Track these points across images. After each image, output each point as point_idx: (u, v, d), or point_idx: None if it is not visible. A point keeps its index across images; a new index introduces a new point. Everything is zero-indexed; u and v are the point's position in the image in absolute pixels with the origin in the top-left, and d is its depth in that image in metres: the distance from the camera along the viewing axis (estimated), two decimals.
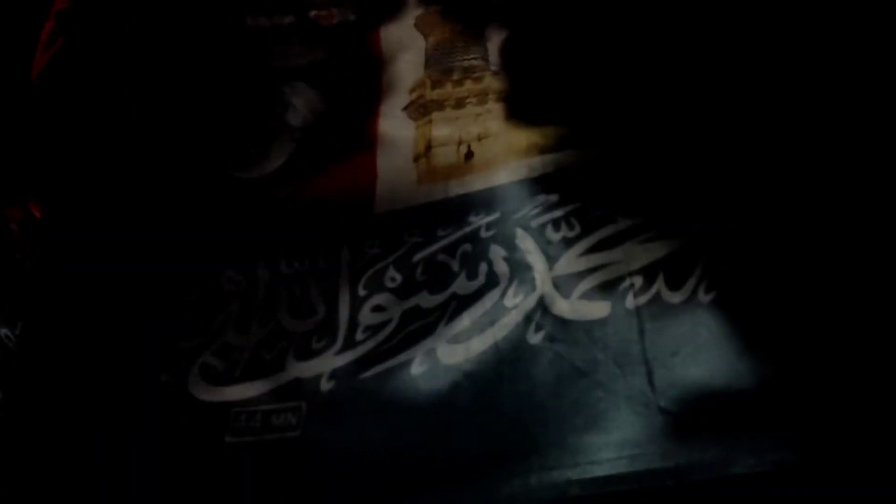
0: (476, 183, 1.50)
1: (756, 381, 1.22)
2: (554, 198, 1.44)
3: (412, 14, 1.70)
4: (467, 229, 1.46)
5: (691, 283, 1.32)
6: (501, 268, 1.42)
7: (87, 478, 1.40)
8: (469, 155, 1.53)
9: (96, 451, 1.41)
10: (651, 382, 1.25)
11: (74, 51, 1.76)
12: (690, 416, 1.21)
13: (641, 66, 1.50)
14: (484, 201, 1.48)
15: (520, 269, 1.41)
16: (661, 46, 1.50)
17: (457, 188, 1.51)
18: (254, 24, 1.75)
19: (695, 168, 1.40)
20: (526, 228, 1.43)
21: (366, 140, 1.60)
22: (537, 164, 1.49)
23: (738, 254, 1.32)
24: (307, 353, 1.42)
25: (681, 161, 1.42)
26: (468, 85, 1.61)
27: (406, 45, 1.67)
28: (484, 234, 1.45)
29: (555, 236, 1.42)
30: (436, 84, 1.62)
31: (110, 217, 1.60)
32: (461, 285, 1.42)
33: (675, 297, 1.32)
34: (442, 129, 1.57)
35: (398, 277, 1.45)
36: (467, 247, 1.45)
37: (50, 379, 1.49)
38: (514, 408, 1.30)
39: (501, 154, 1.52)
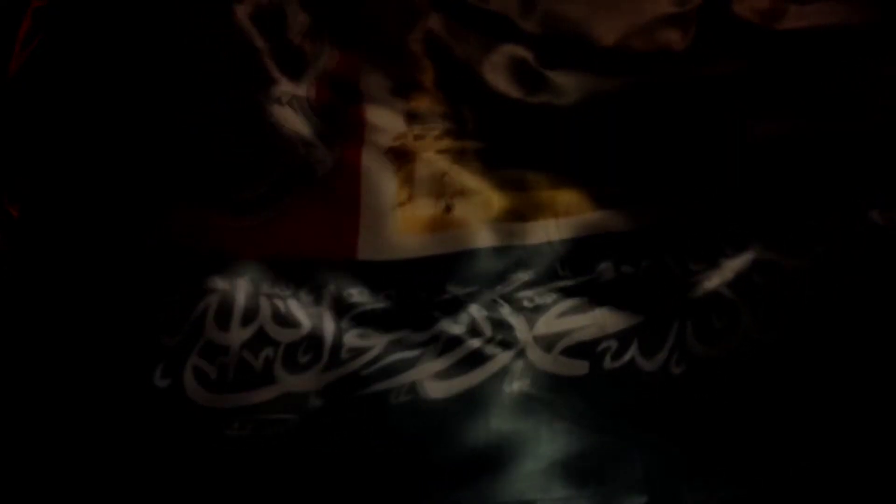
0: (454, 242, 1.63)
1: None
2: (526, 276, 1.58)
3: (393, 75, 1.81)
4: (447, 296, 1.58)
5: (663, 355, 1.50)
6: (483, 323, 1.55)
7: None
8: (448, 209, 1.66)
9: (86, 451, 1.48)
10: (626, 434, 1.43)
11: (52, 49, 1.80)
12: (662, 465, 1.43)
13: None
14: (462, 266, 1.60)
15: (501, 325, 1.54)
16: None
17: (436, 246, 1.63)
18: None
19: (664, 237, 1.58)
20: (505, 298, 1.57)
21: (351, 173, 1.70)
22: (511, 231, 1.63)
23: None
24: (295, 366, 1.53)
25: (650, 230, 1.59)
26: (448, 142, 1.72)
27: (387, 100, 1.78)
28: (463, 299, 1.57)
29: (530, 305, 1.56)
30: (418, 137, 1.73)
31: (89, 218, 1.66)
32: (445, 329, 1.54)
33: (648, 366, 1.49)
34: (423, 179, 1.69)
35: (383, 316, 1.57)
36: (448, 307, 1.57)
37: (29, 380, 1.54)
38: (491, 445, 1.45)
39: (479, 213, 1.65)
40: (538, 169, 1.68)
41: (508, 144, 1.72)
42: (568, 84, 1.74)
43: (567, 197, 1.66)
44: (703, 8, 1.81)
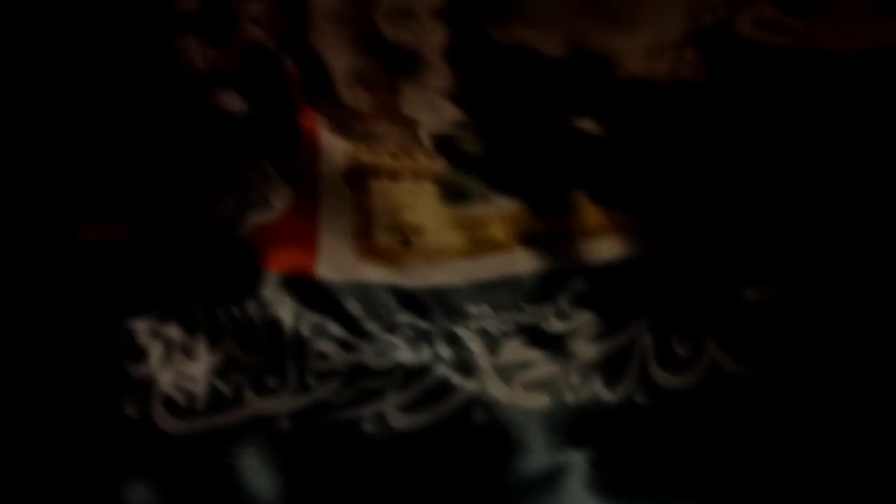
0: (413, 278, 1.67)
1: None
2: (486, 309, 1.62)
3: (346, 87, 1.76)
4: (406, 320, 1.62)
5: (627, 385, 1.53)
6: (444, 351, 1.60)
7: None
8: (406, 242, 1.70)
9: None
10: (590, 470, 1.48)
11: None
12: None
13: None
14: (421, 302, 1.64)
15: (463, 352, 1.59)
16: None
17: (395, 277, 1.67)
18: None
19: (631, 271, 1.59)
20: (465, 328, 1.61)
21: (309, 196, 1.71)
22: (472, 269, 1.66)
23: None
24: (264, 390, 1.58)
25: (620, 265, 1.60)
26: (404, 161, 1.73)
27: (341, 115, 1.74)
28: (423, 325, 1.62)
29: (495, 333, 1.61)
30: (372, 153, 1.72)
31: (47, 233, 1.65)
32: (406, 357, 1.59)
33: (611, 397, 1.53)
34: (379, 208, 1.71)
35: (340, 332, 1.61)
36: (408, 331, 1.62)
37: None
38: (457, 481, 1.51)
39: (436, 250, 1.69)
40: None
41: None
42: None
43: (527, 227, 1.68)
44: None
